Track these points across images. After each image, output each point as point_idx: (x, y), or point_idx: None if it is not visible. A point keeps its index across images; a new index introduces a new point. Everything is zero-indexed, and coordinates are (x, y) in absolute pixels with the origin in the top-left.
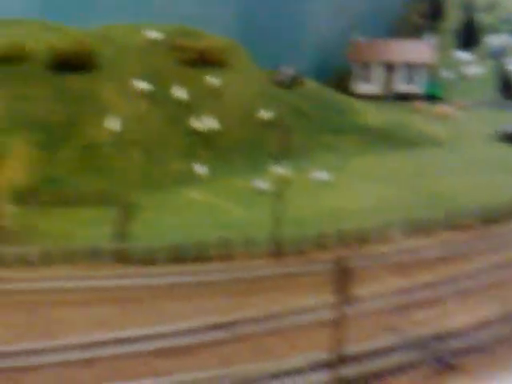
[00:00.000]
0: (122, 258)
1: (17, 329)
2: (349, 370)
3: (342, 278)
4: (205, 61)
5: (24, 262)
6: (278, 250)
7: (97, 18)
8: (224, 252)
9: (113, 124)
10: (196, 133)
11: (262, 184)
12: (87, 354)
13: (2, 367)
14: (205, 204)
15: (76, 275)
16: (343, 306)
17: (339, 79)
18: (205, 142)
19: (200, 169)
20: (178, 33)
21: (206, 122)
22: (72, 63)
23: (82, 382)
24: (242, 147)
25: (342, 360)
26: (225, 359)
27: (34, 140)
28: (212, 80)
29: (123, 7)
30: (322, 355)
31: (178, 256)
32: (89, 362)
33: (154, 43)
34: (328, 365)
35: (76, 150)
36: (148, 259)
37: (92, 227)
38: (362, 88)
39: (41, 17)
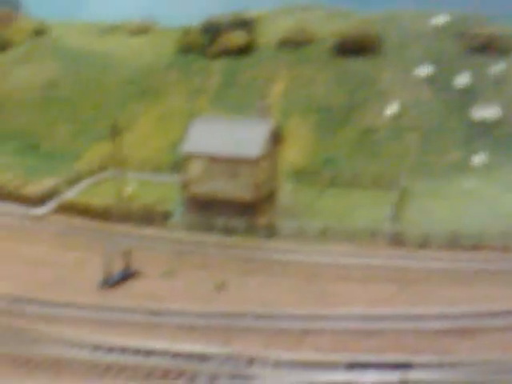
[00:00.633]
0: (398, 240)
1: (298, 296)
2: None
3: None
4: (491, 48)
5: (302, 236)
6: None
7: (383, 2)
8: (503, 243)
9: (391, 109)
10: (476, 121)
11: None
12: (367, 326)
13: (289, 328)
14: (481, 194)
15: (353, 252)
16: None
17: None
18: (485, 130)
19: (478, 158)
20: (465, 19)
21: (488, 111)
22: (356, 48)
23: (358, 350)
24: None
25: None
26: (506, 346)
27: (313, 122)
28: (497, 67)
29: None
30: None
31: (454, 243)
32: (367, 334)
33: (440, 29)
34: None
35: (354, 134)
36: (422, 243)
37: (367, 209)
38: None
39: (327, 2)
